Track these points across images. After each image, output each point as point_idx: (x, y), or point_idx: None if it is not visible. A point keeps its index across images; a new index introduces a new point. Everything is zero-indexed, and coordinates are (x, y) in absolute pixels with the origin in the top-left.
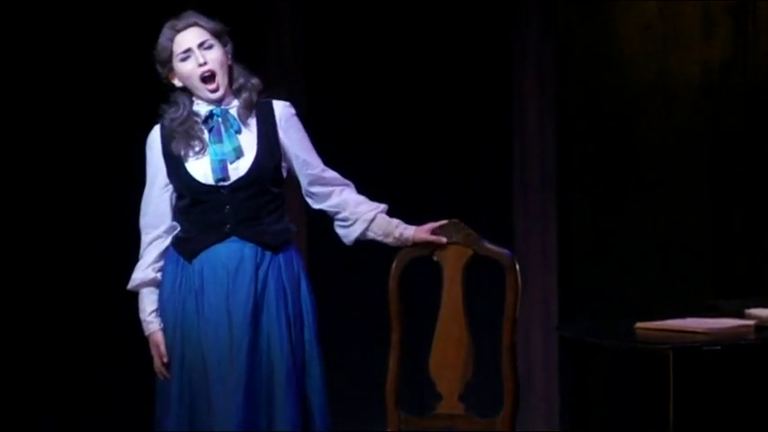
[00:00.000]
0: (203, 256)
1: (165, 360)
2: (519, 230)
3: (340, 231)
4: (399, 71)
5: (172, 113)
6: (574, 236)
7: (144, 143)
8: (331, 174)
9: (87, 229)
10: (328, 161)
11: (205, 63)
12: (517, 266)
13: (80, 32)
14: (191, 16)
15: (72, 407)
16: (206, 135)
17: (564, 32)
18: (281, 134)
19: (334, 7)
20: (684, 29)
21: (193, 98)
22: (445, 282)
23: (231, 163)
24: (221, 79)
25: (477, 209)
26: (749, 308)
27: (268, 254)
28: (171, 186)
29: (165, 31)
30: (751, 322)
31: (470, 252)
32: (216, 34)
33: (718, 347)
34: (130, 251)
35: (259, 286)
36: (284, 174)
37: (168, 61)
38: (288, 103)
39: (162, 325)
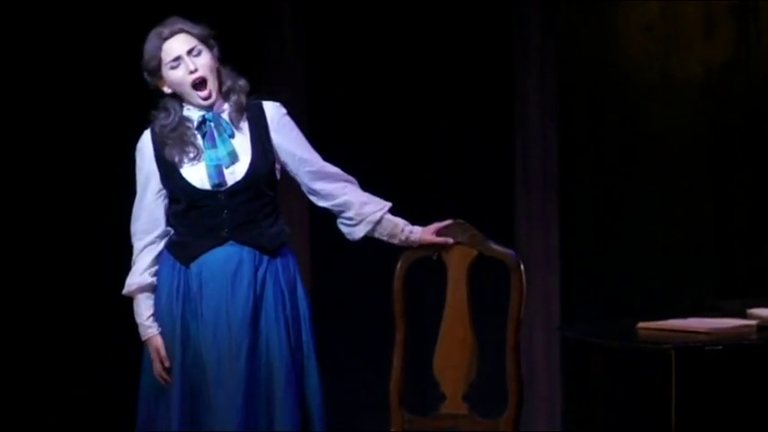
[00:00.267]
0: (201, 259)
1: (167, 364)
2: (521, 231)
3: (344, 229)
4: (401, 70)
5: (162, 119)
6: (576, 236)
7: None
8: (332, 169)
9: (88, 230)
10: (330, 160)
11: (196, 70)
12: (522, 267)
13: (79, 37)
14: (176, 23)
15: (73, 407)
16: (199, 140)
17: (566, 33)
18: (274, 135)
19: (336, 6)
20: (686, 29)
21: (184, 103)
22: (450, 282)
23: (227, 168)
24: (212, 85)
25: (479, 209)
26: (751, 308)
27: (266, 257)
28: (164, 191)
29: (152, 40)
30: (753, 322)
31: (475, 252)
32: (203, 39)
33: (720, 347)
34: (129, 253)
35: (258, 289)
36: (278, 175)
37: (157, 70)
38: (278, 104)
39: (160, 329)
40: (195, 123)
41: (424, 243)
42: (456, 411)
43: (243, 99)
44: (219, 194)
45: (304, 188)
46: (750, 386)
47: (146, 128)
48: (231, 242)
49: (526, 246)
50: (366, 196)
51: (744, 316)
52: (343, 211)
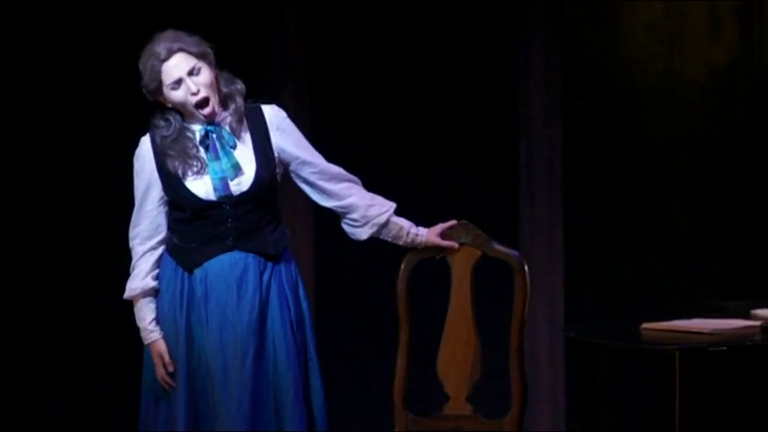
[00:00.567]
0: (205, 265)
1: (171, 369)
2: (525, 232)
3: (348, 230)
4: (405, 71)
5: (163, 131)
6: (580, 237)
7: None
8: (335, 169)
9: (91, 231)
10: (333, 160)
11: (198, 91)
12: (526, 268)
13: (86, 40)
14: (173, 41)
15: (76, 407)
16: (202, 153)
17: (570, 33)
18: (275, 139)
19: (340, 7)
20: (690, 29)
21: (184, 114)
22: (453, 282)
23: (232, 180)
24: (213, 100)
25: (484, 210)
26: (755, 309)
27: (270, 262)
28: (166, 199)
29: (151, 62)
30: (757, 323)
31: (479, 253)
32: (201, 56)
33: (725, 348)
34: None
35: (263, 294)
36: (279, 178)
37: (158, 91)
38: (276, 107)
39: (162, 333)
40: (197, 137)
41: (430, 245)
42: (460, 412)
43: (241, 104)
44: (225, 205)
45: (307, 189)
46: (754, 387)
47: (143, 134)
48: (236, 249)
49: (530, 246)
50: (370, 197)
51: (748, 317)
52: (347, 213)
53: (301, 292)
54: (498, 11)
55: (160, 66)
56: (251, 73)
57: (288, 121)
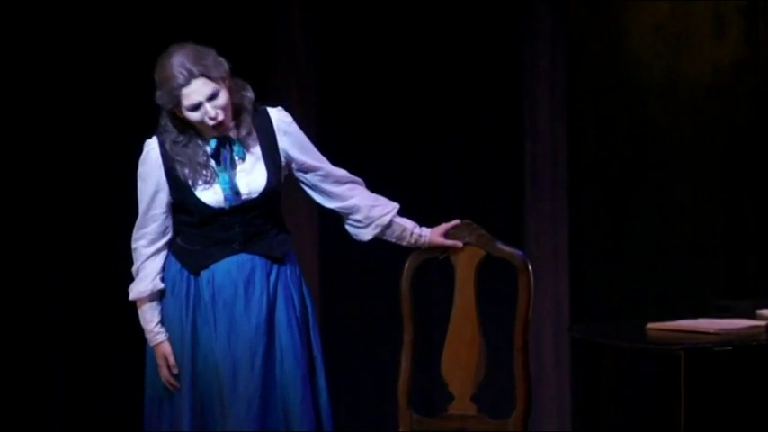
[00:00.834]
0: (212, 267)
1: (176, 371)
2: (530, 231)
3: (351, 231)
4: (410, 72)
5: (173, 135)
6: (585, 237)
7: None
8: (339, 172)
9: (93, 231)
10: (339, 161)
11: (216, 116)
12: (530, 267)
13: (89, 43)
14: (194, 63)
15: (80, 407)
16: (212, 162)
17: (575, 33)
18: (282, 144)
19: (346, 7)
20: (695, 29)
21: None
22: (457, 282)
23: (242, 189)
24: (228, 118)
25: (488, 210)
26: (760, 308)
27: (276, 263)
28: (172, 202)
29: (170, 85)
30: (762, 323)
31: (483, 253)
32: (221, 79)
33: (730, 348)
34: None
35: (270, 295)
36: (282, 181)
37: (175, 108)
38: (283, 110)
39: (168, 335)
40: (209, 148)
41: (434, 245)
42: (464, 412)
43: (250, 113)
44: (234, 212)
45: (310, 191)
46: (759, 386)
47: (147, 136)
48: (242, 252)
49: (535, 246)
50: (374, 198)
51: (753, 316)
52: (350, 214)
53: (305, 292)
54: (503, 11)
55: (179, 91)
56: (256, 73)
57: (294, 125)
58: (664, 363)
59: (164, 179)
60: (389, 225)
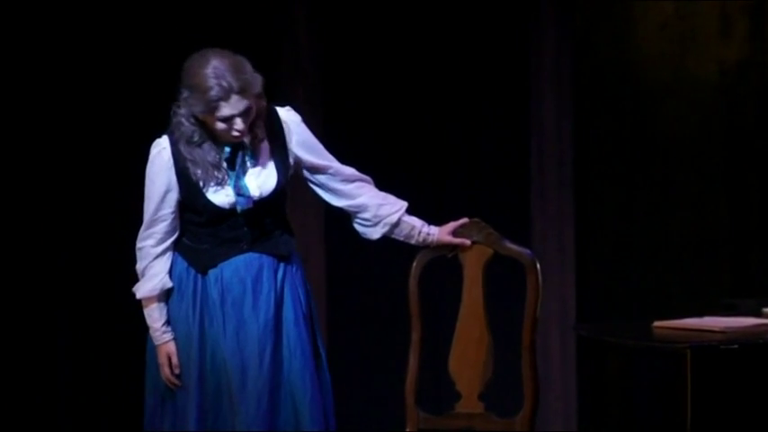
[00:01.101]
0: (220, 266)
1: (178, 371)
2: (536, 230)
3: (360, 229)
4: (416, 70)
5: (188, 135)
6: (591, 235)
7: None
8: (348, 171)
9: (94, 231)
10: (345, 157)
11: (242, 131)
12: (538, 266)
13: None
14: (235, 77)
15: (83, 405)
16: (224, 164)
17: (581, 32)
18: (290, 146)
19: (351, 8)
20: (701, 28)
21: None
22: (465, 281)
23: (253, 192)
24: (247, 130)
25: (495, 208)
26: (766, 307)
27: (282, 262)
28: (181, 202)
29: (209, 96)
30: None
31: (491, 251)
32: (256, 96)
33: (736, 346)
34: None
35: (278, 293)
36: (289, 179)
37: (204, 111)
38: (291, 110)
39: (174, 335)
40: (223, 152)
41: (442, 244)
42: (472, 410)
43: (264, 124)
44: (243, 212)
45: (318, 190)
46: (766, 385)
47: (158, 135)
48: (250, 251)
49: (542, 245)
50: (382, 197)
51: (759, 315)
52: (359, 212)
53: (309, 290)
54: (510, 10)
55: (217, 103)
56: (262, 73)
57: (303, 126)
58: (670, 361)
59: (174, 179)
60: (398, 223)
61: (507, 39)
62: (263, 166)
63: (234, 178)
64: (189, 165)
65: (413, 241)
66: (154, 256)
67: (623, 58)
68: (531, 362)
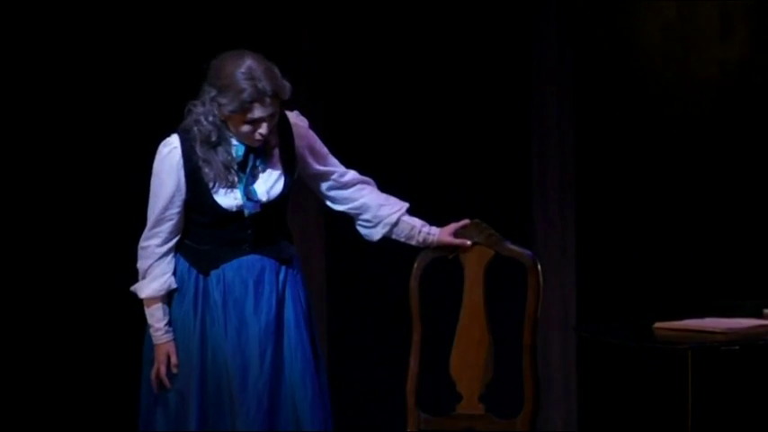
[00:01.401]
0: (222, 267)
1: (175, 371)
2: (538, 231)
3: (362, 231)
4: (417, 71)
5: (204, 135)
6: (592, 236)
7: (154, 143)
8: (350, 175)
9: (94, 231)
10: (347, 158)
11: (265, 136)
12: (539, 267)
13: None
14: (270, 82)
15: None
16: (236, 167)
17: (583, 33)
18: (297, 151)
19: (354, 10)
20: (703, 29)
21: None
22: (466, 282)
23: (261, 197)
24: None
25: (496, 210)
26: (767, 308)
27: (283, 264)
28: (186, 201)
29: (242, 95)
30: None
31: (492, 252)
32: (284, 102)
33: (737, 347)
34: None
35: (279, 294)
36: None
37: (236, 111)
38: (299, 114)
39: (174, 335)
40: (236, 154)
41: (443, 244)
42: (472, 411)
43: (277, 132)
44: (248, 216)
45: (320, 195)
46: (767, 386)
47: (161, 134)
48: (252, 253)
49: (543, 246)
50: (383, 198)
51: (760, 316)
52: (360, 214)
53: (309, 293)
54: (511, 10)
55: (251, 104)
56: None
57: (311, 133)
58: (671, 362)
59: (183, 180)
60: (397, 223)
61: (509, 40)
62: (273, 170)
63: (244, 182)
64: (201, 165)
65: (413, 242)
66: (158, 255)
67: (625, 58)
68: (532, 363)
